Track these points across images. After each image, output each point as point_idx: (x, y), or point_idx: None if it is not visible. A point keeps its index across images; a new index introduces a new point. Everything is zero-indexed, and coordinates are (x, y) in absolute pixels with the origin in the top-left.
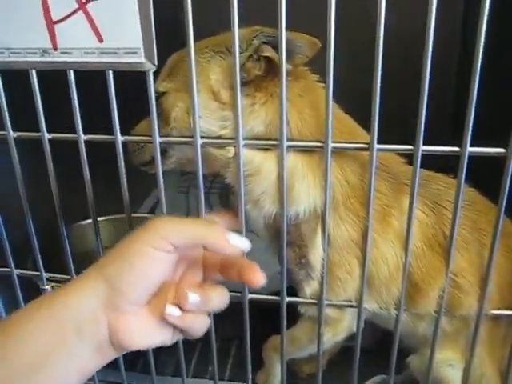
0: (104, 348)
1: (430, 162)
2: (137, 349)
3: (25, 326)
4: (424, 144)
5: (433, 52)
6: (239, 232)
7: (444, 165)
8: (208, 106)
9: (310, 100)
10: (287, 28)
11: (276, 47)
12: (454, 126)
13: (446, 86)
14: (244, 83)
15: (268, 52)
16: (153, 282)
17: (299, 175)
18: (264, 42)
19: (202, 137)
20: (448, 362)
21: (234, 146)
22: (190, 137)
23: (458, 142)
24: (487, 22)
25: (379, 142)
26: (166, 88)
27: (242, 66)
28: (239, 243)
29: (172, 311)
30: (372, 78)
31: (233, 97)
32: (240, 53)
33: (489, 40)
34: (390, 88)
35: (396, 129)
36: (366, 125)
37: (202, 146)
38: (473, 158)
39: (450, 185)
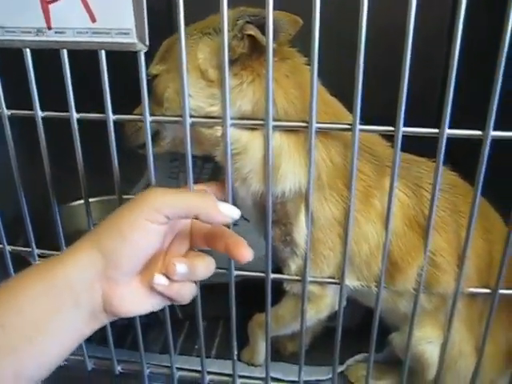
0: (98, 314)
1: (416, 147)
2: (128, 316)
3: (24, 293)
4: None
5: (418, 36)
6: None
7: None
8: (196, 85)
9: (296, 81)
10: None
11: (259, 26)
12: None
13: (433, 70)
14: (230, 62)
15: (251, 30)
16: (146, 253)
17: (285, 155)
18: (248, 22)
19: (191, 116)
20: (427, 339)
21: (222, 126)
22: (180, 116)
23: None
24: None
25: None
26: (159, 71)
27: (228, 45)
28: (229, 212)
29: (160, 280)
30: None
31: (220, 75)
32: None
33: (471, 24)
34: (383, 72)
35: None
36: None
37: (191, 124)
38: (461, 143)
39: (432, 168)
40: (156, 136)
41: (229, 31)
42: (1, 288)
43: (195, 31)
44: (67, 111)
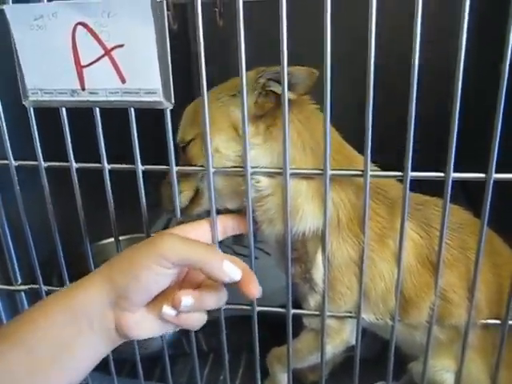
0: (112, 337)
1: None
2: (139, 338)
3: (47, 319)
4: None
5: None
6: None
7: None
8: (231, 141)
9: (311, 127)
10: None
11: (279, 81)
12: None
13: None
14: (261, 116)
15: (274, 86)
16: (156, 290)
17: (307, 198)
18: (269, 79)
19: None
20: (446, 368)
21: (243, 175)
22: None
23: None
24: None
25: (388, 169)
26: (193, 135)
27: (255, 102)
28: (231, 273)
29: (167, 311)
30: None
31: (252, 129)
32: (252, 91)
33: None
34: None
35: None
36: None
37: (214, 173)
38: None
39: None
40: (195, 196)
41: (253, 90)
42: (25, 316)
43: (221, 94)
44: (98, 162)
